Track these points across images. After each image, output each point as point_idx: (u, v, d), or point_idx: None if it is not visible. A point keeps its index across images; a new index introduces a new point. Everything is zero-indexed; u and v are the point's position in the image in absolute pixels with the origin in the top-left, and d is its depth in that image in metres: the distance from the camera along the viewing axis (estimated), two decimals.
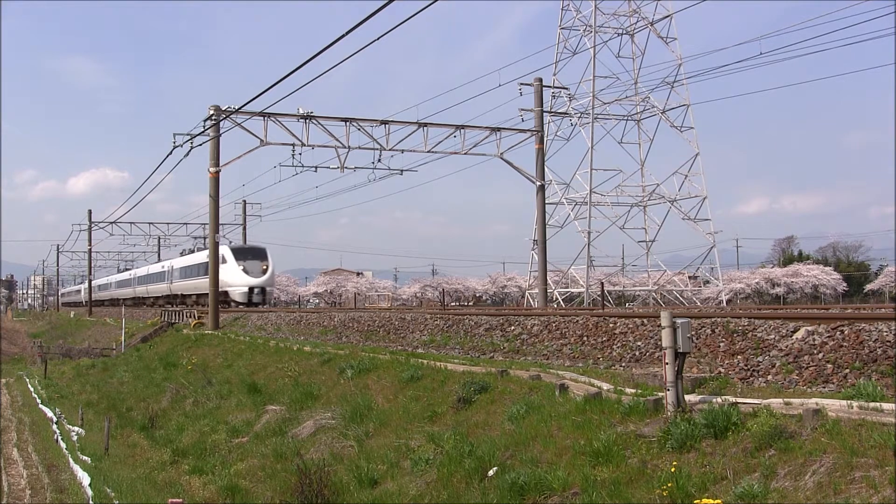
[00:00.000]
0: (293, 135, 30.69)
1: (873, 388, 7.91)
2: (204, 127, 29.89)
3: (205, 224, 62.00)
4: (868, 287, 62.56)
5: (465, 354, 15.58)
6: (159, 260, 79.13)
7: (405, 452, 10.50)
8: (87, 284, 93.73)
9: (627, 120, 47.10)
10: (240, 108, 27.39)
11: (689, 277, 48.98)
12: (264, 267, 46.53)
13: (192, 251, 56.96)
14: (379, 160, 32.41)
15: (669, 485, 6.85)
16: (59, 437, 18.94)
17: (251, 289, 45.54)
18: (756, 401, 8.12)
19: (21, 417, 24.69)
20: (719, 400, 8.30)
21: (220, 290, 41.69)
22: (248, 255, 47.05)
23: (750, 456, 6.99)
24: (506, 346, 15.26)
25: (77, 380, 33.55)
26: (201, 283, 46.57)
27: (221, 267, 40.82)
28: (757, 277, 60.69)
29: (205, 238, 59.49)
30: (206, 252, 47.39)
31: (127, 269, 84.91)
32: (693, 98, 75.75)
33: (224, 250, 44.22)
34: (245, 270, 45.61)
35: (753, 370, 9.80)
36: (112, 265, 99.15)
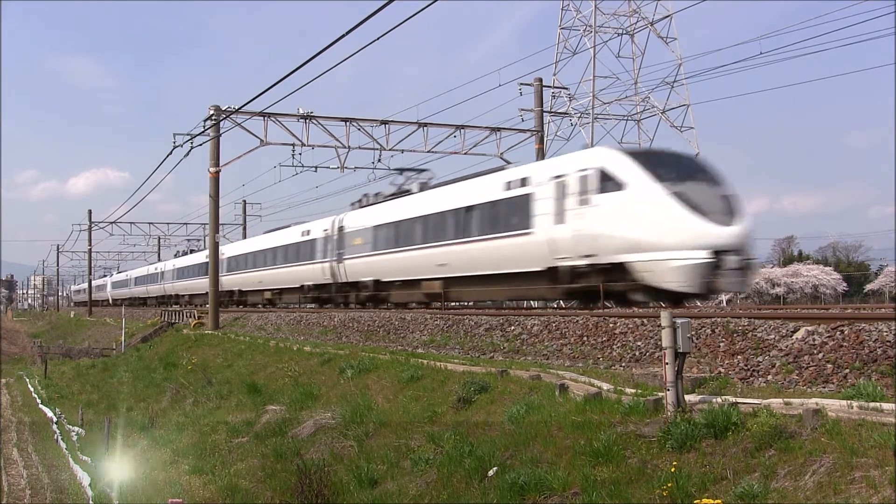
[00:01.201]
0: (293, 135, 30.69)
1: (873, 388, 7.91)
2: (204, 127, 29.89)
3: (205, 224, 62.11)
4: (868, 287, 62.47)
5: (465, 354, 15.57)
6: (160, 259, 77.73)
7: (405, 452, 10.49)
8: (109, 278, 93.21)
9: (627, 120, 47.19)
10: (240, 108, 27.40)
11: None
12: (728, 202, 17.09)
13: (373, 199, 30.21)
14: (379, 160, 32.13)
15: (669, 485, 6.86)
16: (59, 437, 18.95)
17: (717, 254, 15.87)
18: (756, 401, 8.12)
19: (21, 417, 24.71)
20: (719, 400, 8.30)
21: (606, 260, 17.29)
22: (685, 172, 17.52)
23: (750, 456, 6.99)
24: (506, 346, 15.25)
25: (77, 380, 33.55)
26: (405, 261, 25.03)
27: (613, 198, 17.04)
28: (757, 277, 60.60)
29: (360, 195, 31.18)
30: (406, 198, 26.68)
31: (193, 251, 60.84)
32: (693, 98, 75.67)
33: (611, 160, 17.76)
34: (693, 206, 16.34)
35: (753, 370, 9.80)
36: (112, 265, 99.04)
